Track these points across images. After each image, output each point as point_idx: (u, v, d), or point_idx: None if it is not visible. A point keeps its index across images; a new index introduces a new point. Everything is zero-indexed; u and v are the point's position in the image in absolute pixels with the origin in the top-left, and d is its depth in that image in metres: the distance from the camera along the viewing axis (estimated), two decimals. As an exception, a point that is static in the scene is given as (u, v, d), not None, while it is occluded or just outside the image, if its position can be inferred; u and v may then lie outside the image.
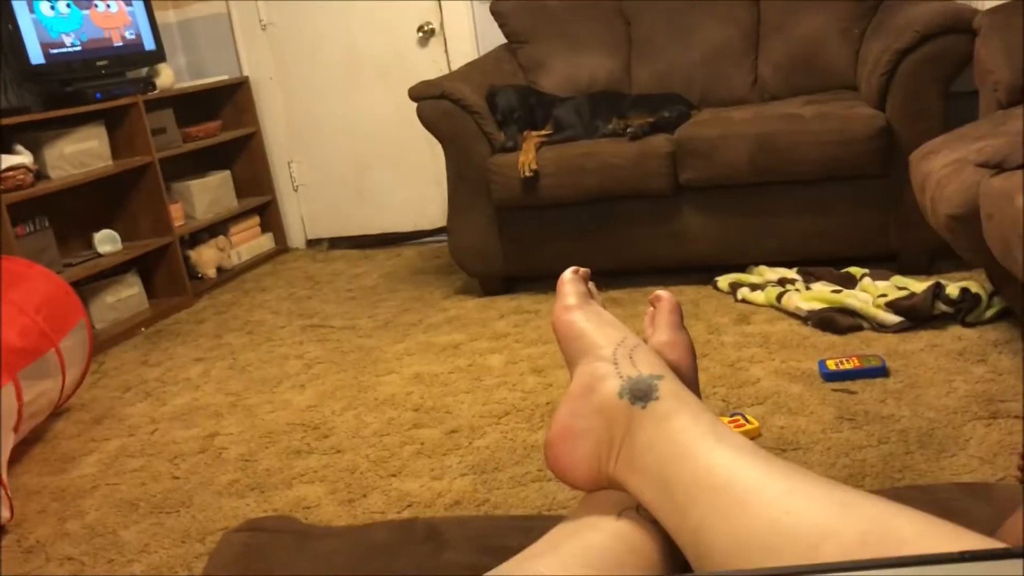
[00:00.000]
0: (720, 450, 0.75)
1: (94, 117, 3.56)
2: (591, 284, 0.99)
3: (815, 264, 2.97)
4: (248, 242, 4.36)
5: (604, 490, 0.82)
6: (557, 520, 0.85)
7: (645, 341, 0.91)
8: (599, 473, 0.80)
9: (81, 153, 3.48)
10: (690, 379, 0.89)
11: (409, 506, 1.95)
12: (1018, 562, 0.58)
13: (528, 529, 0.84)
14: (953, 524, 0.65)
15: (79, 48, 3.54)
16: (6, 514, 2.11)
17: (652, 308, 0.98)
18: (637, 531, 0.76)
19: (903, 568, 0.60)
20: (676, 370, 0.86)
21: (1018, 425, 1.91)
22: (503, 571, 0.72)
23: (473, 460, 2.10)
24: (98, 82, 3.58)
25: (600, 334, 0.87)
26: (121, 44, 3.75)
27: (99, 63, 3.60)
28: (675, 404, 0.80)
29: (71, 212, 3.60)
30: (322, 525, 0.92)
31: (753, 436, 2.02)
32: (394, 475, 2.09)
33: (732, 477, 0.71)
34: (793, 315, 2.69)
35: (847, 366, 2.25)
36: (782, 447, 1.97)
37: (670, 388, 0.81)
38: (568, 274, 0.96)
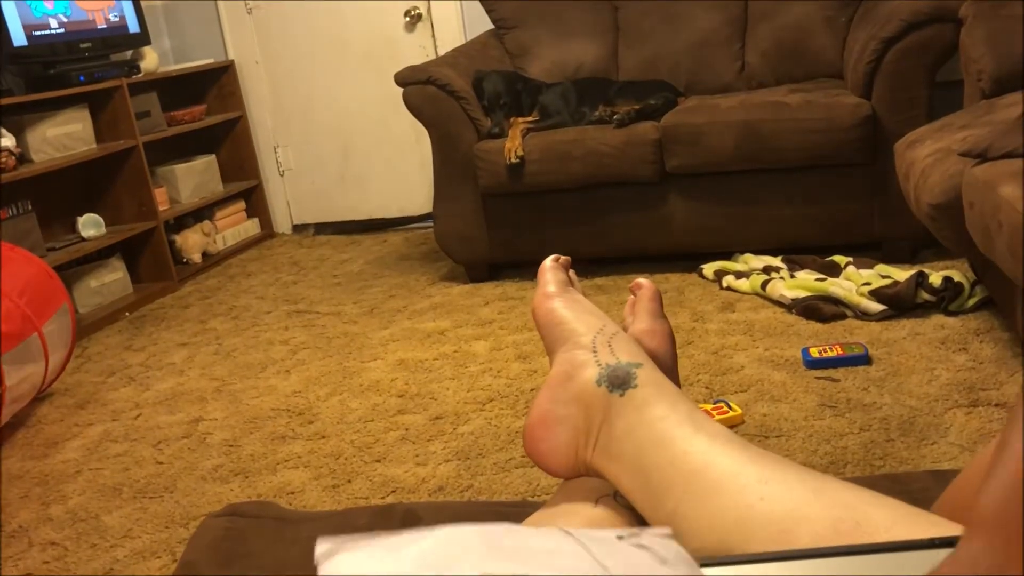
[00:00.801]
0: (697, 437, 0.75)
1: (78, 100, 3.53)
2: (571, 272, 1.00)
3: (800, 252, 2.98)
4: (234, 227, 4.35)
5: (582, 477, 0.83)
6: (536, 507, 0.86)
7: (625, 329, 0.92)
8: (577, 460, 0.81)
9: (64, 136, 3.46)
10: (669, 367, 0.90)
11: (393, 491, 1.95)
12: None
13: (506, 516, 0.84)
14: (926, 512, 0.66)
15: (62, 30, 3.51)
16: (-12, 499, 2.10)
17: (632, 296, 0.99)
18: (614, 517, 0.77)
19: (875, 554, 0.61)
20: (655, 358, 0.87)
21: (998, 413, 1.93)
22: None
23: (457, 446, 2.11)
24: (82, 65, 3.55)
25: (579, 322, 0.88)
26: (105, 27, 3.72)
27: (83, 45, 3.57)
28: (653, 392, 0.80)
29: (54, 196, 3.58)
30: (302, 510, 0.92)
31: (736, 423, 2.03)
32: (378, 461, 2.09)
33: (707, 463, 0.72)
34: (777, 303, 2.70)
35: (830, 354, 2.27)
36: (764, 434, 1.98)
37: (648, 376, 0.81)
38: (549, 262, 0.96)
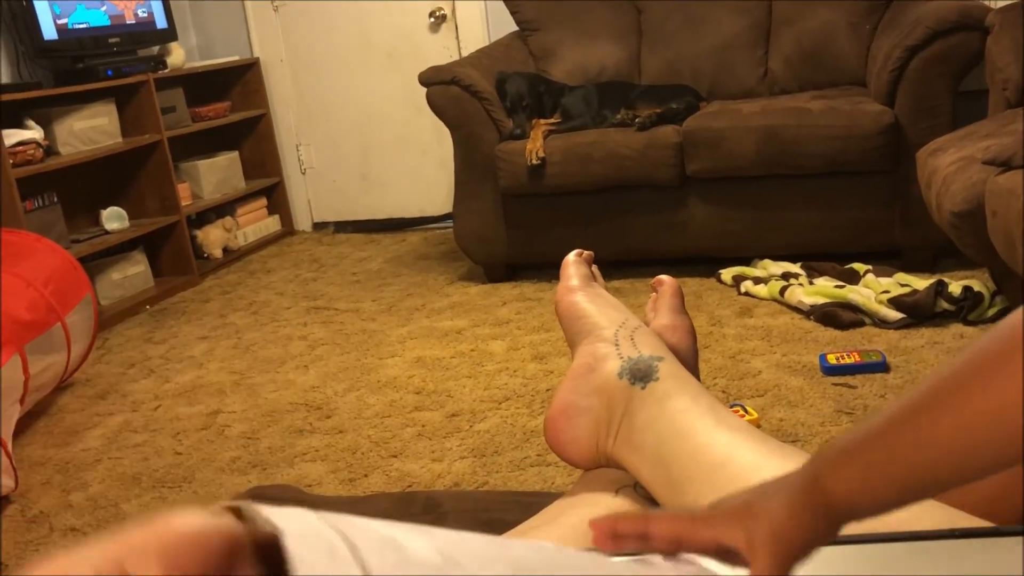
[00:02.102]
0: (718, 430, 0.76)
1: (104, 94, 3.57)
2: (594, 267, 1.01)
3: (819, 259, 2.98)
4: (255, 224, 4.38)
5: (602, 468, 0.84)
6: (555, 497, 0.86)
7: (647, 324, 0.93)
8: (597, 451, 0.82)
9: (91, 130, 3.49)
10: (690, 362, 0.91)
11: (409, 486, 1.96)
12: (1015, 540, 0.60)
13: (526, 504, 0.85)
14: (945, 505, 0.67)
15: (91, 25, 3.55)
16: (10, 484, 2.13)
17: (654, 292, 1.00)
18: (634, 508, 0.78)
19: (896, 543, 0.61)
20: (677, 353, 0.88)
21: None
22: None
23: (473, 443, 2.12)
24: (109, 59, 3.59)
25: (602, 315, 0.89)
26: (133, 22, 3.76)
27: (111, 40, 3.61)
28: (675, 385, 0.81)
29: (79, 188, 3.62)
30: (323, 495, 0.94)
31: (752, 427, 2.03)
32: (395, 456, 2.11)
33: (729, 456, 0.73)
34: (796, 309, 2.70)
35: (848, 360, 2.26)
36: (781, 439, 1.98)
37: (670, 369, 0.82)
38: (572, 256, 0.97)
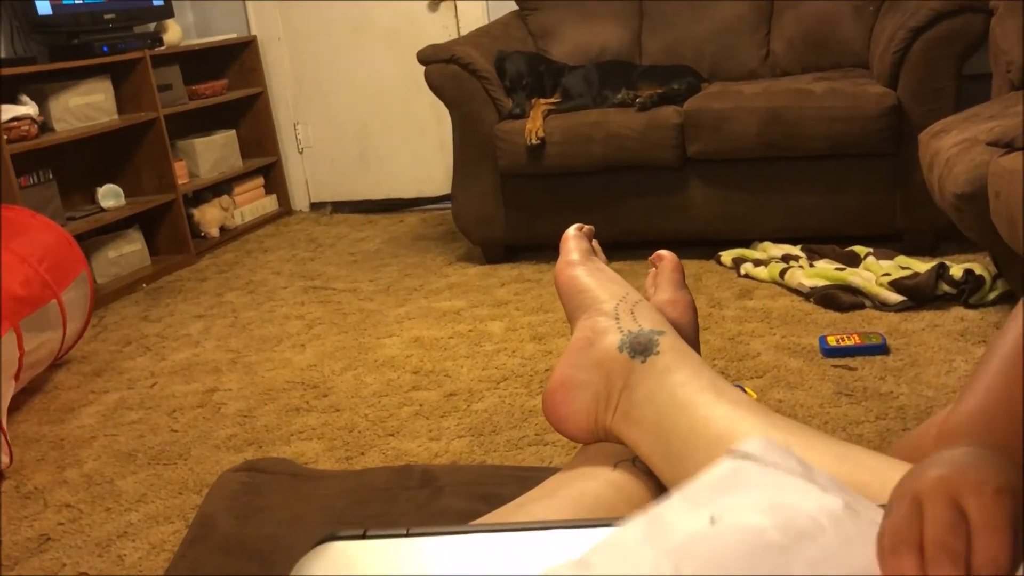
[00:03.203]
0: (719, 403, 0.75)
1: (100, 71, 3.54)
2: (594, 241, 0.99)
3: (820, 242, 2.96)
4: (252, 203, 4.35)
5: (600, 442, 0.82)
6: (553, 472, 0.85)
7: (647, 299, 0.91)
8: (596, 424, 0.81)
9: (86, 106, 3.46)
10: (691, 337, 0.89)
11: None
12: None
13: (523, 479, 0.84)
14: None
15: (87, 0, 3.51)
16: (5, 460, 2.12)
17: (654, 268, 0.98)
18: (632, 481, 0.76)
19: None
20: (677, 327, 0.86)
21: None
22: (498, 515, 0.72)
23: (471, 423, 2.11)
24: (105, 35, 3.55)
25: (602, 289, 0.87)
26: (129, -2, 3.73)
27: (106, 16, 3.58)
28: (675, 359, 0.80)
29: (75, 165, 3.59)
30: (318, 468, 0.93)
31: (751, 408, 2.02)
32: (392, 435, 2.10)
33: (730, 430, 0.72)
34: (795, 291, 2.69)
35: (848, 343, 2.25)
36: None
37: (671, 343, 0.81)
38: (572, 230, 0.96)
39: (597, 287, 0.87)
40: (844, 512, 0.50)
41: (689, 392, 0.75)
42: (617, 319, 0.83)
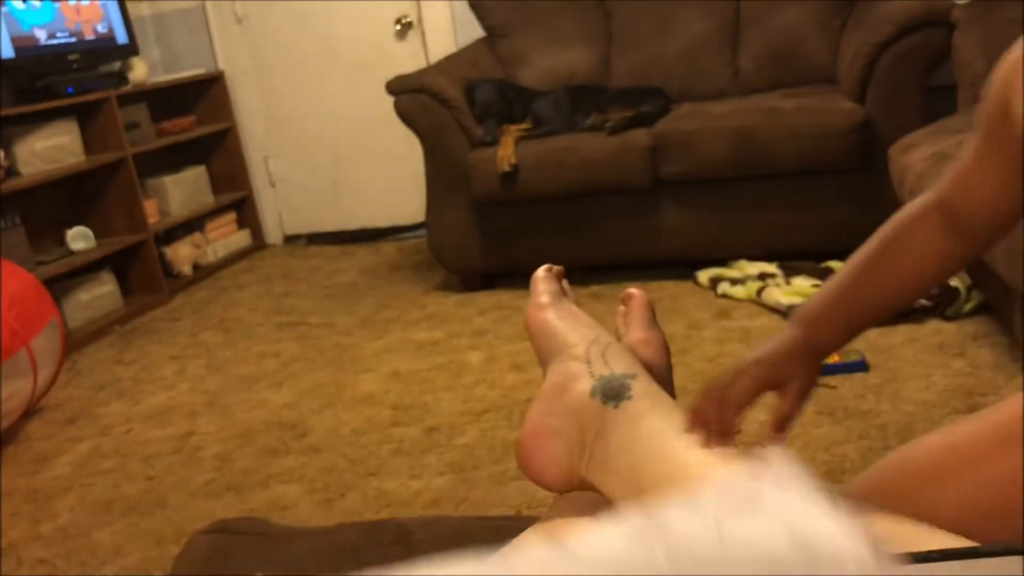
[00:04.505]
0: (694, 449, 0.73)
1: (66, 112, 3.50)
2: (565, 282, 0.98)
3: (795, 258, 2.96)
4: (224, 238, 4.32)
5: (577, 491, 0.80)
6: (530, 521, 0.83)
7: (619, 339, 0.90)
8: (571, 474, 0.79)
9: (52, 148, 3.43)
10: (664, 376, 0.88)
11: (387, 505, 1.93)
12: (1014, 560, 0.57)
13: (499, 530, 0.82)
14: (921, 524, 0.65)
15: (50, 42, 3.48)
16: (-24, 517, 2.07)
17: (623, 306, 0.97)
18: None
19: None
20: (650, 368, 0.85)
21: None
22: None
23: (452, 458, 2.08)
24: (69, 76, 3.52)
25: (573, 333, 0.85)
26: (93, 38, 3.70)
27: (71, 57, 3.55)
28: (648, 404, 0.78)
29: (43, 209, 3.55)
30: (291, 526, 0.90)
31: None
32: (372, 474, 2.07)
33: (704, 476, 0.70)
34: (773, 310, 2.69)
35: (827, 361, 2.24)
36: (762, 443, 1.96)
37: (643, 387, 0.79)
38: (541, 272, 0.94)
39: (568, 330, 0.86)
40: (871, 559, 0.48)
41: (664, 439, 0.74)
42: (589, 363, 0.81)
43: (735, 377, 0.88)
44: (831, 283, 0.91)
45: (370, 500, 1.95)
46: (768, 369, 0.91)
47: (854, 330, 0.93)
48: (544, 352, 0.86)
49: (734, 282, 2.90)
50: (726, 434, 0.77)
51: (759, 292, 2.75)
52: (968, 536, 0.63)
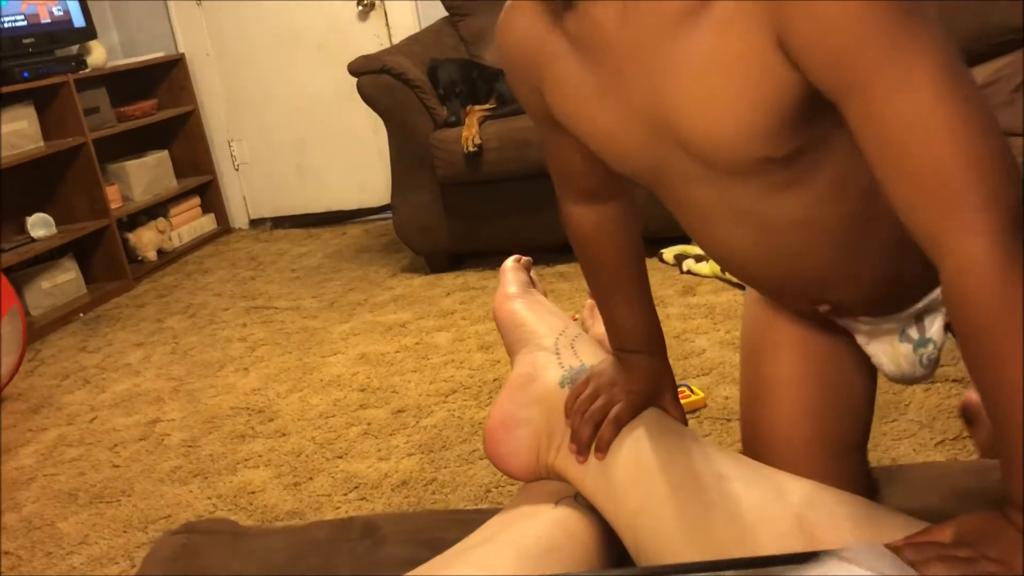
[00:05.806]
0: (660, 436, 0.74)
1: (22, 97, 3.44)
2: (533, 272, 0.98)
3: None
4: (189, 223, 4.27)
5: (542, 480, 0.81)
6: (495, 513, 0.84)
7: (586, 331, 0.91)
8: (538, 463, 0.80)
9: (10, 135, 3.37)
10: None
11: (356, 488, 1.93)
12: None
13: (466, 522, 0.83)
14: (884, 508, 0.66)
15: (4, 25, 3.41)
16: (-61, 510, 2.05)
17: (590, 300, 0.98)
18: (574, 518, 0.75)
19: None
20: (614, 355, 0.85)
21: (956, 389, 1.94)
22: (436, 563, 0.70)
23: (420, 439, 2.09)
24: (25, 60, 3.45)
25: (541, 324, 0.86)
26: (49, 21, 3.63)
27: (25, 41, 3.48)
28: (613, 391, 0.79)
29: (2, 196, 3.49)
30: (259, 526, 0.90)
31: (698, 407, 2.03)
32: (340, 457, 2.07)
33: (669, 462, 0.71)
34: (738, 286, 2.71)
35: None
36: (727, 417, 1.98)
37: (608, 375, 0.80)
38: (509, 262, 0.95)
39: (536, 321, 0.87)
40: None
41: (628, 427, 0.75)
42: (558, 354, 0.82)
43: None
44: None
45: (339, 483, 1.96)
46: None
47: (631, 333, 0.87)
48: (512, 342, 0.87)
49: (699, 259, 2.92)
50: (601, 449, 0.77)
51: (723, 268, 2.77)
52: None
